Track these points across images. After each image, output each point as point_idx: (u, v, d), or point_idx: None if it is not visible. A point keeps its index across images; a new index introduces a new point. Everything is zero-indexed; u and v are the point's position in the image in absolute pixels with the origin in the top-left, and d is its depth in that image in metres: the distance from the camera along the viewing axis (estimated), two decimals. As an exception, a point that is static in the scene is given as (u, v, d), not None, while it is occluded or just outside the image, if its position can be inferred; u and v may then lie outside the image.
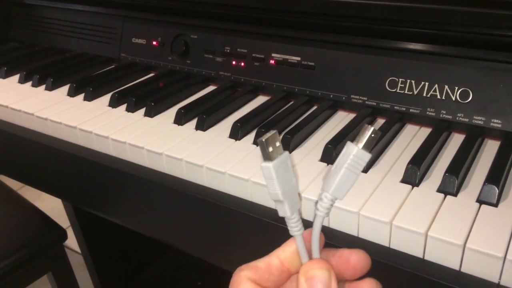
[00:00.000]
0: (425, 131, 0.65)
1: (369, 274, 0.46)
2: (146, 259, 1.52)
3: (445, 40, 0.65)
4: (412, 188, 0.53)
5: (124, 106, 0.78)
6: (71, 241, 1.32)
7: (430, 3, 0.64)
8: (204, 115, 0.70)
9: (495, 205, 0.49)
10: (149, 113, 0.75)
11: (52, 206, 1.52)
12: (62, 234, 1.05)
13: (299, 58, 0.76)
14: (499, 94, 0.61)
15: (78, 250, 1.37)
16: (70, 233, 1.19)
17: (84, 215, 1.24)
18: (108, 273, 1.39)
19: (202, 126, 0.69)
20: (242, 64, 0.82)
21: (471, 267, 0.44)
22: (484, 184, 0.50)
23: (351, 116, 0.71)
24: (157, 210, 0.68)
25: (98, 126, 0.71)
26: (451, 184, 0.51)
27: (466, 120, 0.63)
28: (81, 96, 0.83)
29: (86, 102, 0.81)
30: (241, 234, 0.59)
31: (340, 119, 0.71)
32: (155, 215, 0.69)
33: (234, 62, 0.83)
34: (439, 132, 0.62)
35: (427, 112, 0.66)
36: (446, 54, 0.65)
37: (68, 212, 1.26)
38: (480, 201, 0.50)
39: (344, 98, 0.72)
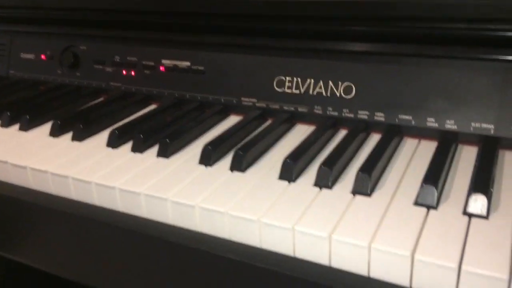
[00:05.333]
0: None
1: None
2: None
3: (325, 35, 0.64)
4: (289, 183, 0.50)
5: (-1, 122, 0.71)
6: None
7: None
8: (81, 125, 0.64)
9: (369, 195, 0.47)
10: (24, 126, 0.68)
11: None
12: None
13: (188, 63, 0.73)
14: (381, 87, 0.60)
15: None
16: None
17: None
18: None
19: (78, 137, 0.64)
20: (133, 73, 0.78)
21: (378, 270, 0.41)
22: (357, 174, 0.47)
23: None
24: (80, 248, 0.59)
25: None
26: (326, 178, 0.49)
27: (352, 115, 0.61)
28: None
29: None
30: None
31: (231, 124, 0.67)
32: (80, 255, 0.59)
33: (124, 72, 0.78)
34: (323, 130, 0.60)
35: (315, 110, 0.64)
36: (328, 50, 0.63)
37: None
38: (355, 192, 0.47)
39: (235, 101, 0.69)
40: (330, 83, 0.63)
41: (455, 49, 0.56)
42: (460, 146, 0.56)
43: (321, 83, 0.63)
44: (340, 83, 0.62)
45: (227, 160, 0.55)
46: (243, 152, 0.54)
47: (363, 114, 0.61)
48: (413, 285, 0.38)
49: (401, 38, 0.59)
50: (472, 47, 0.55)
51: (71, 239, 0.56)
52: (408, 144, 0.58)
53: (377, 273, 0.40)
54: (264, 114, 0.67)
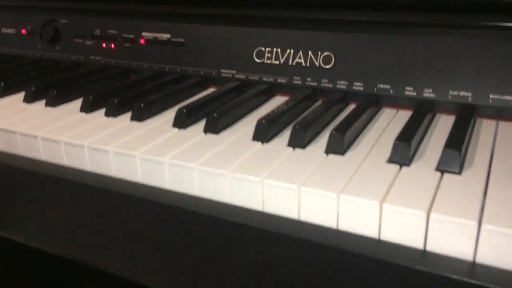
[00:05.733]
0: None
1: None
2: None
3: (305, 5, 0.63)
4: (263, 144, 0.49)
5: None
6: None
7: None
8: (55, 91, 0.63)
9: (342, 154, 0.46)
10: None
11: None
12: None
13: (169, 35, 0.72)
14: (360, 56, 0.59)
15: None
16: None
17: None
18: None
19: (52, 103, 0.63)
20: (113, 46, 0.76)
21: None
22: (331, 133, 0.47)
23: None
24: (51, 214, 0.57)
25: None
26: (299, 138, 0.48)
27: (330, 85, 0.61)
28: None
29: None
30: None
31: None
32: (49, 217, 0.57)
33: (104, 45, 0.77)
34: (301, 99, 0.59)
35: (294, 81, 0.63)
36: (307, 19, 0.63)
37: None
38: (328, 151, 0.46)
39: (214, 73, 0.68)
40: (310, 53, 0.62)
41: (433, 17, 0.56)
42: (438, 115, 0.56)
43: (300, 53, 0.62)
44: (319, 53, 0.61)
45: (202, 124, 0.54)
46: (217, 114, 0.53)
47: (342, 84, 0.60)
48: (382, 236, 0.37)
49: (379, 6, 0.59)
50: (450, 14, 0.55)
51: (41, 201, 0.54)
52: (386, 113, 0.57)
53: (346, 225, 0.39)
54: (243, 86, 0.66)
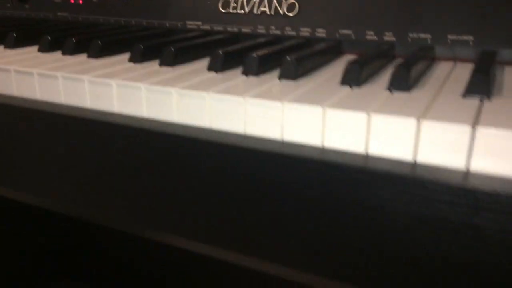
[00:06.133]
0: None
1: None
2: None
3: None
4: (217, 73, 0.48)
5: None
6: None
7: None
8: (14, 34, 0.62)
9: (294, 79, 0.45)
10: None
11: None
12: None
13: (136, -11, 0.71)
14: (322, 2, 0.59)
15: None
16: None
17: None
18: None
19: (10, 46, 0.61)
20: (80, 1, 0.76)
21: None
22: (285, 59, 0.46)
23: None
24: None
25: None
26: (253, 66, 0.47)
27: (294, 33, 0.60)
28: None
29: None
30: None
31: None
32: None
33: (72, 1, 0.76)
34: (261, 40, 0.58)
35: (258, 30, 0.62)
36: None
37: None
38: (281, 77, 0.46)
39: (180, 25, 0.68)
40: (274, 1, 0.62)
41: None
42: (400, 59, 0.56)
43: (265, 1, 0.62)
44: (284, 1, 0.61)
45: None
46: (174, 49, 0.52)
47: (305, 31, 0.60)
48: (326, 143, 0.36)
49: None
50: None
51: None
52: (347, 57, 0.57)
53: (290, 136, 0.38)
54: (206, 36, 0.65)
